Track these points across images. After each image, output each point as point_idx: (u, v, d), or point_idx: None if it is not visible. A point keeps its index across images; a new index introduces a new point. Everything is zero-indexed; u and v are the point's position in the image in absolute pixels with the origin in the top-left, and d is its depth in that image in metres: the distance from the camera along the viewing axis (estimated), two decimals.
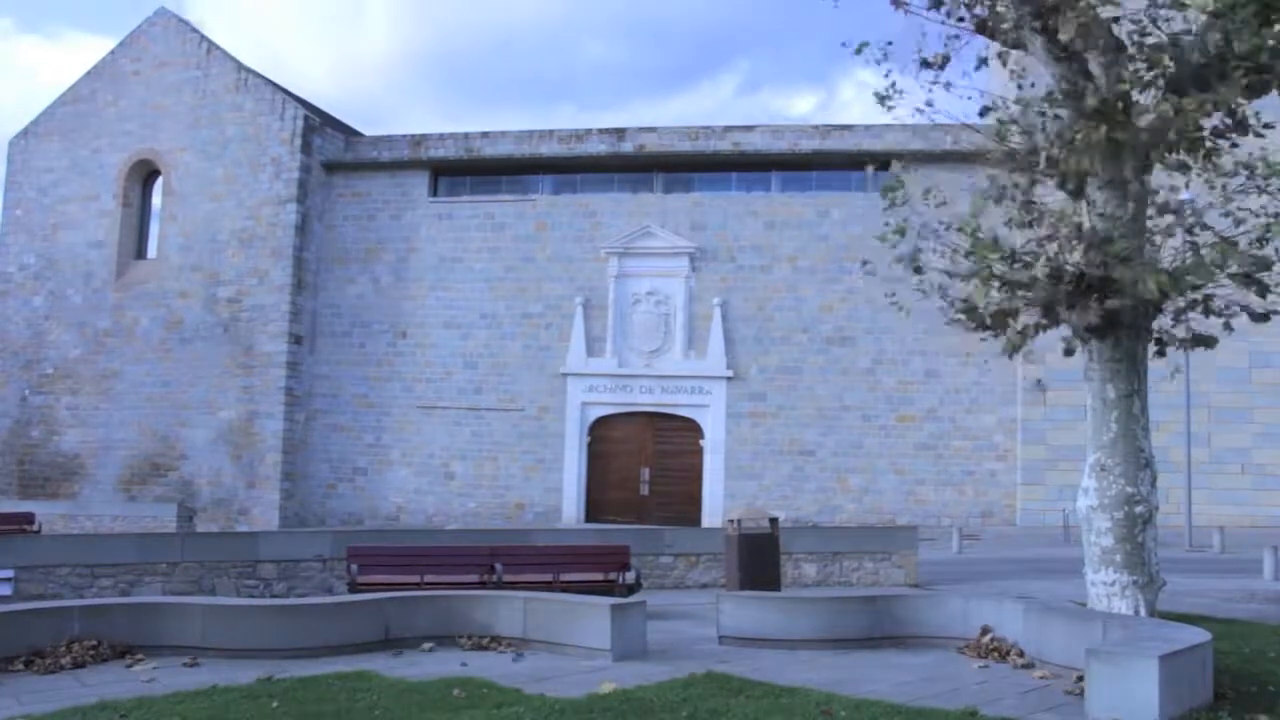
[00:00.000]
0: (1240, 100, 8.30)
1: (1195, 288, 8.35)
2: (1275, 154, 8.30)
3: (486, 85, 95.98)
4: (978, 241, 8.80)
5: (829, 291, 30.32)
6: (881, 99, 9.13)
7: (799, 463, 30.02)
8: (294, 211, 32.78)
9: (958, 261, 8.90)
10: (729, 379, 30.58)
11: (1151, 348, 9.08)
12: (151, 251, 35.17)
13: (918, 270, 8.96)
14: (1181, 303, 8.68)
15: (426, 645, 9.55)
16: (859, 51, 8.98)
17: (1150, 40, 8.27)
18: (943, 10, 9.09)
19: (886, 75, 9.05)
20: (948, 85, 9.13)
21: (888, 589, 14.94)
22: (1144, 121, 7.96)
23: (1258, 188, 8.10)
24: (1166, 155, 8.56)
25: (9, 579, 13.30)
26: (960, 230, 8.91)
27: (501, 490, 31.70)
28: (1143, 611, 8.60)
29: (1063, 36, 8.31)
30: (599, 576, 12.74)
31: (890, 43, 9.06)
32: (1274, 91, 8.32)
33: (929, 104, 9.11)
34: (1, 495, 33.14)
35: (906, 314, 9.83)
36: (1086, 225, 8.74)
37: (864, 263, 10.11)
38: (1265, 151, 8.37)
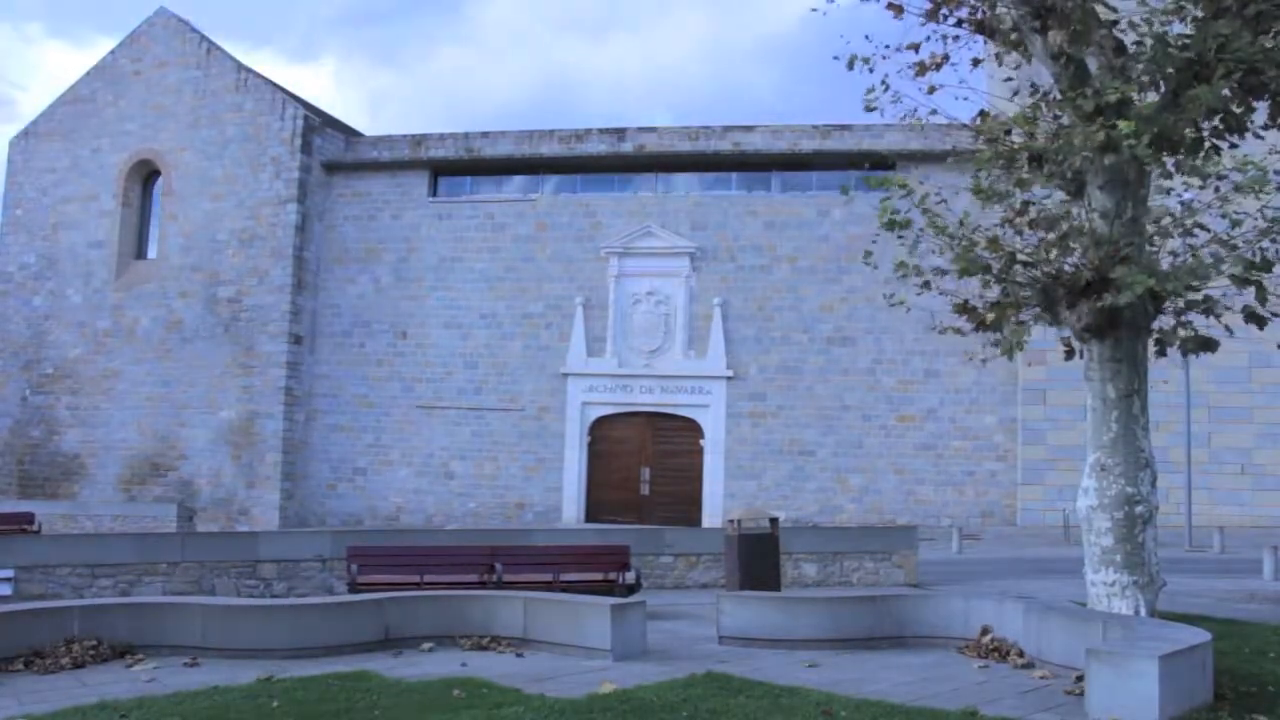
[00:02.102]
0: (1235, 104, 8.31)
1: (1192, 289, 8.35)
2: (1262, 160, 8.30)
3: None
4: (971, 241, 8.81)
5: (829, 291, 30.32)
6: (868, 107, 9.15)
7: (799, 463, 30.01)
8: (294, 211, 32.77)
9: (955, 259, 8.91)
10: (729, 379, 30.57)
11: (1152, 348, 9.08)
12: (151, 251, 35.16)
13: (909, 272, 8.96)
14: (1181, 303, 8.68)
15: (426, 645, 9.55)
16: (850, 66, 8.98)
17: (1148, 41, 8.27)
18: (940, 14, 9.10)
19: (882, 83, 9.06)
20: (941, 88, 9.14)
21: (888, 589, 14.93)
22: (1142, 122, 7.96)
23: (1251, 190, 8.09)
24: (1164, 156, 8.57)
25: (9, 579, 13.31)
26: (959, 228, 8.91)
27: (501, 490, 31.70)
28: (1143, 611, 8.60)
29: (1055, 41, 8.33)
30: (599, 576, 12.74)
31: (888, 46, 9.07)
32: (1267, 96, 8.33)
33: (933, 111, 9.11)
34: (1, 495, 33.15)
35: (907, 309, 9.84)
36: (1085, 225, 8.75)
37: (867, 254, 10.11)
38: (1247, 156, 8.37)
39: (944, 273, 8.97)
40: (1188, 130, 8.37)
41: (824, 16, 9.28)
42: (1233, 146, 8.62)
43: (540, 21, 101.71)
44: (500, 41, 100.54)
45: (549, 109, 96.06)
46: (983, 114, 9.49)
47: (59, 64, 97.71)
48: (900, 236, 8.85)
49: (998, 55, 9.41)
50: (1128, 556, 8.66)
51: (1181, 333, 8.84)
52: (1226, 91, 8.12)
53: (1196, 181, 8.60)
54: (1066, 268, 8.69)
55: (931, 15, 9.13)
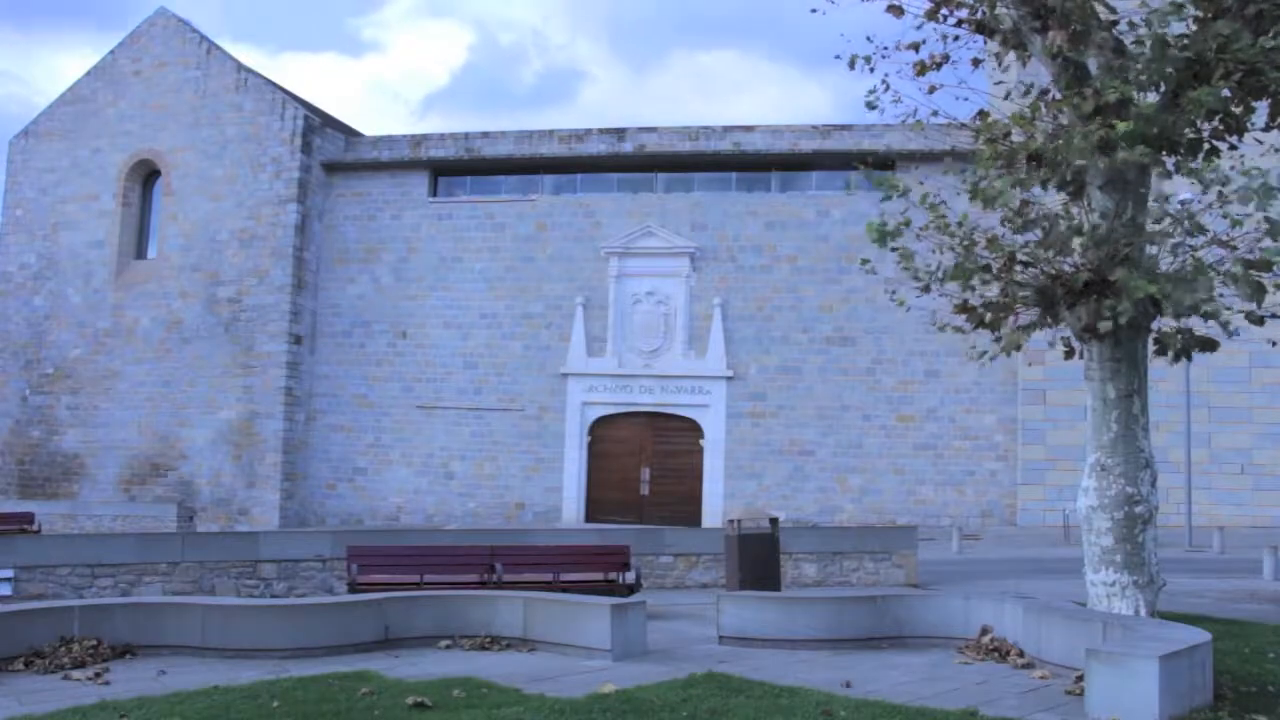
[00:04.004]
0: (1234, 104, 8.30)
1: (1192, 292, 8.34)
2: (1263, 155, 8.30)
3: None
4: (971, 240, 8.82)
5: (829, 291, 30.31)
6: (869, 105, 9.17)
7: (799, 463, 30.00)
8: (294, 211, 32.77)
9: (956, 257, 8.91)
10: (729, 379, 30.57)
11: (1151, 347, 9.08)
12: (151, 251, 35.16)
13: (910, 269, 8.97)
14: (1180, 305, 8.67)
15: (427, 645, 9.55)
16: (851, 65, 8.99)
17: (1148, 42, 8.27)
18: (941, 14, 9.11)
19: (883, 82, 9.07)
20: (941, 87, 9.15)
21: (888, 589, 14.93)
22: (1141, 123, 7.96)
23: (1256, 199, 8.08)
24: (1164, 156, 8.56)
25: (9, 579, 13.31)
26: (958, 228, 8.91)
27: (501, 490, 31.70)
28: (1143, 611, 8.61)
29: (1055, 42, 8.33)
30: (599, 576, 12.75)
31: (886, 47, 9.07)
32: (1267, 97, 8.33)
33: (934, 112, 9.11)
34: (1, 495, 33.14)
35: (906, 309, 9.85)
36: (1085, 226, 8.75)
37: (864, 261, 10.14)
38: (1244, 157, 8.36)
39: (942, 280, 8.97)
40: (1187, 131, 8.37)
41: (823, 17, 9.29)
42: (1232, 148, 8.62)
43: (637, 101, 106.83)
44: (593, 112, 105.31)
45: None
46: (982, 114, 9.50)
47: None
48: (894, 248, 8.86)
49: (998, 55, 9.41)
50: (1128, 556, 8.66)
51: (1179, 337, 8.84)
52: (1226, 92, 8.12)
53: (1198, 185, 8.60)
54: (1066, 268, 8.69)
55: (931, 15, 9.13)
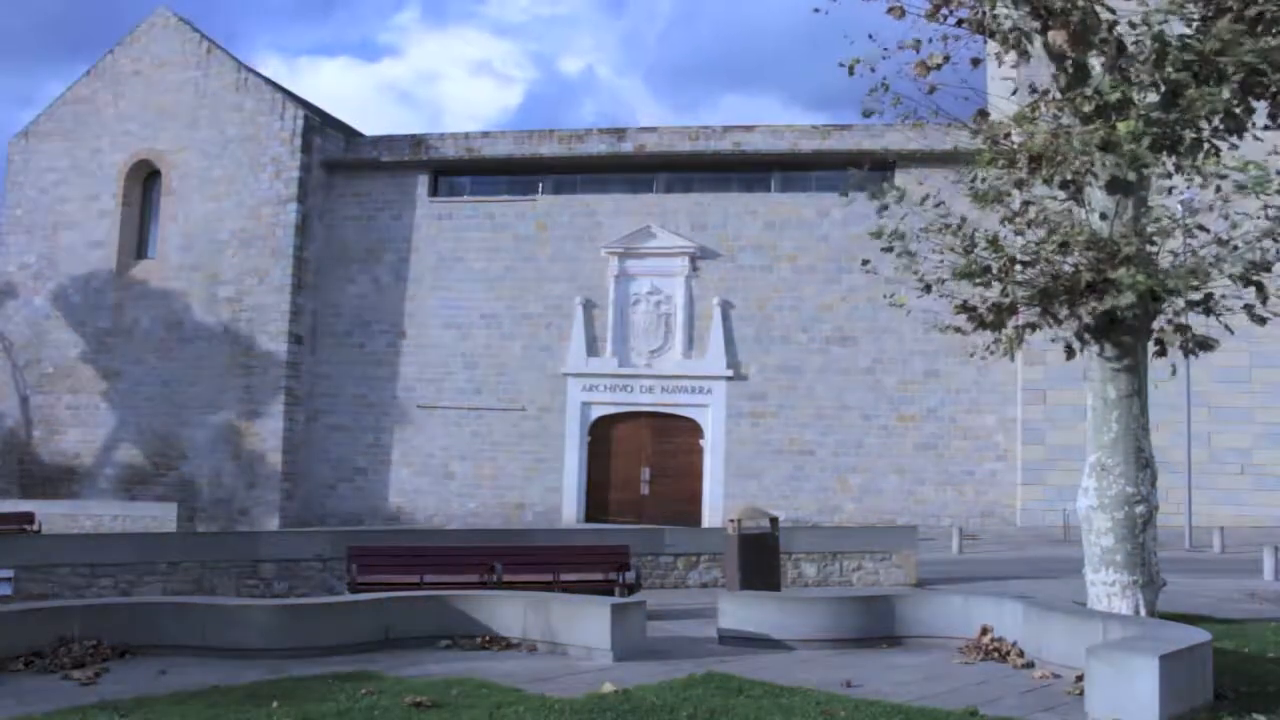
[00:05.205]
0: (1235, 104, 8.30)
1: (1193, 289, 8.35)
2: (1264, 161, 8.30)
3: None
4: (972, 241, 8.82)
5: (829, 291, 30.31)
6: (866, 112, 9.17)
7: (799, 462, 30.00)
8: (294, 211, 32.77)
9: (956, 260, 8.91)
10: (729, 379, 30.57)
11: (1152, 348, 9.08)
12: (152, 251, 35.12)
13: (911, 270, 8.98)
14: (1181, 303, 8.69)
15: (427, 645, 9.55)
16: (851, 72, 8.98)
17: (1149, 42, 8.27)
18: (941, 14, 9.10)
19: (882, 84, 9.06)
20: (942, 86, 9.14)
21: (888, 589, 14.93)
22: (1142, 123, 7.96)
23: (1255, 191, 8.08)
24: (1164, 156, 8.56)
25: (9, 579, 13.28)
26: (959, 229, 8.92)
27: (501, 490, 31.69)
28: (1143, 611, 8.62)
29: (1055, 42, 8.33)
30: (599, 576, 12.74)
31: (886, 48, 9.07)
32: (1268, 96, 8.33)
33: (935, 112, 9.11)
34: (1, 495, 33.10)
35: (907, 312, 9.86)
36: (1084, 226, 8.75)
37: (864, 261, 10.15)
38: (1244, 158, 8.36)
39: (943, 280, 8.98)
40: (1187, 131, 8.37)
41: (825, 16, 9.28)
42: (1233, 147, 8.62)
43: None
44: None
45: None
46: (981, 113, 9.49)
47: None
48: (893, 248, 8.87)
49: (998, 55, 9.41)
50: (1128, 556, 8.67)
51: (1179, 337, 8.84)
52: (1226, 94, 8.12)
53: (1198, 180, 8.60)
54: (1066, 268, 8.70)
55: (932, 15, 9.13)
